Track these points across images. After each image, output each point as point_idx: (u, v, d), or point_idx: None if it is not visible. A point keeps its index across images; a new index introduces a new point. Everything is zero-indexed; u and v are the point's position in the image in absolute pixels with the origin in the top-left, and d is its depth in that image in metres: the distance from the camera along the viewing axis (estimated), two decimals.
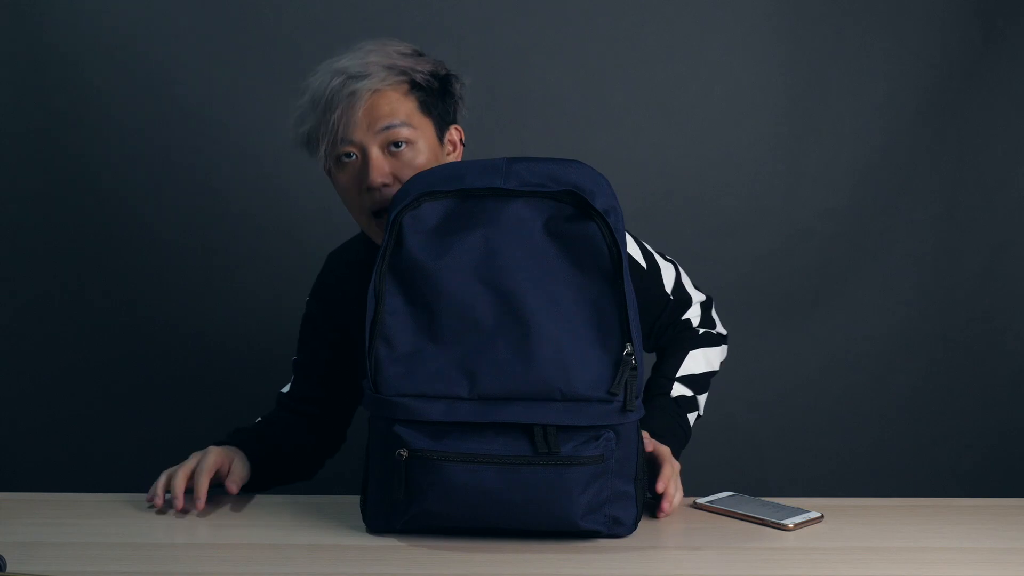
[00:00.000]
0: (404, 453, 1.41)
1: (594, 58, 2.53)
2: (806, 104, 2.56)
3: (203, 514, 1.58)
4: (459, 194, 1.47)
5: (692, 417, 1.82)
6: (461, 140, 1.80)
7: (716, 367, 1.89)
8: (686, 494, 1.68)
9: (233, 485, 1.62)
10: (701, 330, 1.88)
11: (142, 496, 1.66)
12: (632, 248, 1.81)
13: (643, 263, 1.82)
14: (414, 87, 1.71)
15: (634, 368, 1.43)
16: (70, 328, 2.52)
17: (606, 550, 1.43)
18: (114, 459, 2.52)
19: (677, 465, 1.64)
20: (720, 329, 1.93)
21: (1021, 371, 2.62)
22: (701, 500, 1.64)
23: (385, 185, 1.67)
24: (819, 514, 1.57)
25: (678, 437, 1.76)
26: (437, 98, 1.74)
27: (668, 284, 1.85)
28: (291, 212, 2.51)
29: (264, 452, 1.73)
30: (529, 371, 1.41)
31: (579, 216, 1.46)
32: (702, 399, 1.85)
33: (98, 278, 2.52)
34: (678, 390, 1.81)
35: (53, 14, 2.45)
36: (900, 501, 1.69)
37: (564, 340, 1.42)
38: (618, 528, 1.46)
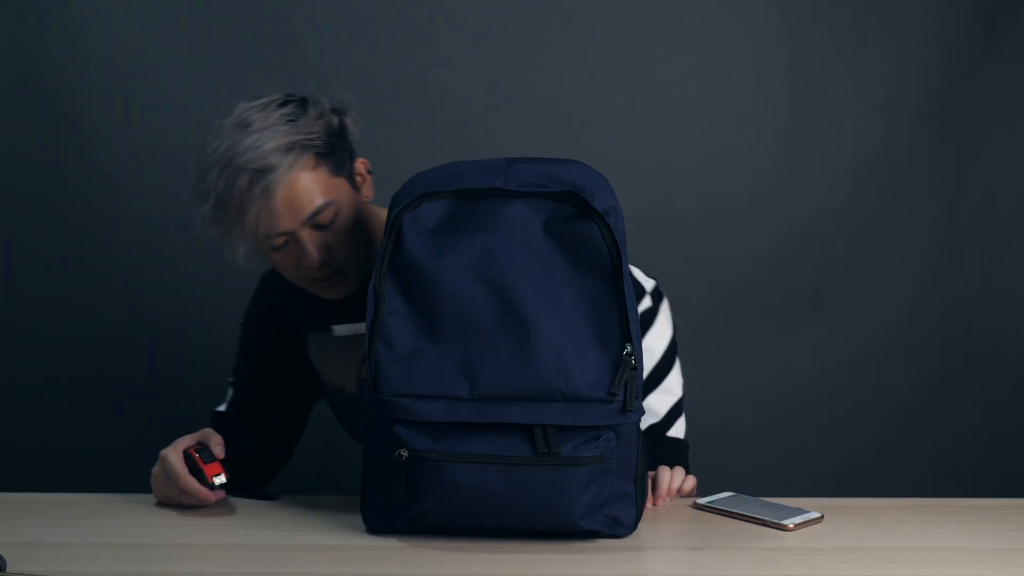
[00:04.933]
0: (404, 453, 1.41)
1: (594, 58, 2.53)
2: (806, 104, 2.55)
3: (203, 514, 1.58)
4: (459, 194, 1.47)
5: (675, 430, 1.83)
6: (368, 170, 1.78)
7: (679, 392, 1.87)
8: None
9: (219, 448, 1.62)
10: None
11: (142, 496, 1.66)
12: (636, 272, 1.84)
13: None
14: (320, 157, 1.67)
15: (634, 368, 1.43)
16: (70, 328, 2.52)
17: (606, 550, 1.43)
18: (114, 459, 2.51)
19: (674, 476, 1.67)
20: (667, 328, 1.87)
21: (1021, 371, 2.62)
22: (701, 500, 1.64)
23: (325, 263, 1.68)
24: (819, 514, 1.57)
25: (670, 452, 1.79)
26: (340, 151, 1.70)
27: (647, 282, 1.85)
28: None
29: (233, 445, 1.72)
30: (529, 371, 1.41)
31: (579, 216, 1.45)
32: (679, 423, 1.85)
33: (98, 278, 2.51)
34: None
35: (53, 14, 2.45)
36: (900, 501, 1.69)
37: (564, 340, 1.42)
38: (618, 528, 1.46)
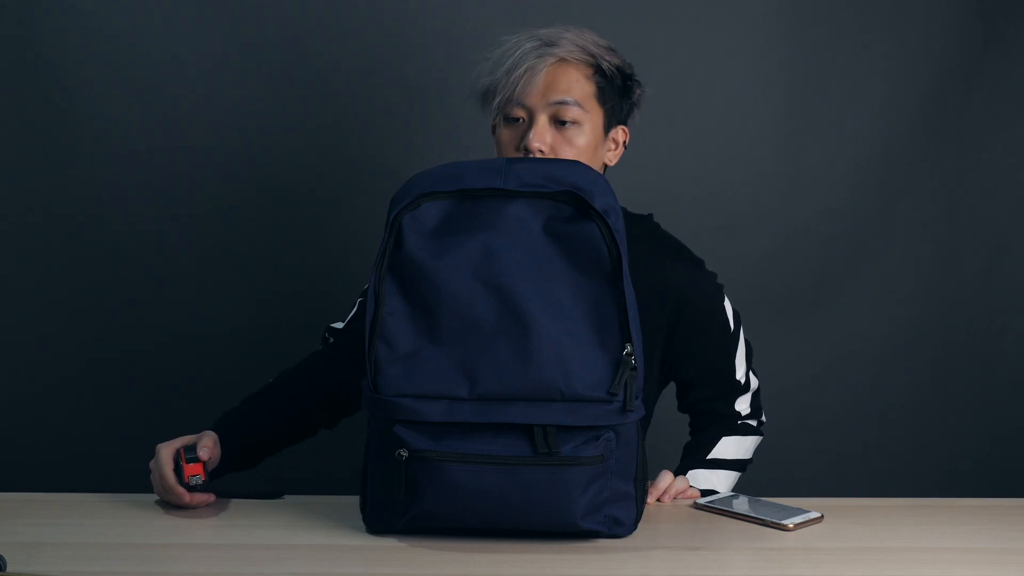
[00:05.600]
0: (404, 453, 1.40)
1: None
2: (806, 104, 2.55)
3: (203, 514, 1.58)
4: (458, 194, 1.47)
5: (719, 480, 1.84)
6: (624, 143, 1.85)
7: (748, 456, 1.89)
8: None
9: (204, 451, 1.62)
10: (740, 422, 1.89)
11: (142, 496, 1.66)
12: (727, 304, 1.88)
13: (731, 323, 1.87)
14: (598, 72, 1.77)
15: (634, 368, 1.43)
16: (70, 328, 2.52)
17: (606, 550, 1.43)
18: (114, 459, 2.51)
19: (676, 482, 1.70)
20: (762, 418, 1.94)
21: (1021, 371, 2.62)
22: (701, 500, 1.65)
23: (541, 152, 1.72)
24: (819, 514, 1.57)
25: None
26: (615, 92, 1.80)
27: (740, 363, 1.88)
28: (293, 213, 2.51)
29: (263, 412, 1.75)
30: (529, 371, 1.41)
31: (578, 216, 1.46)
32: (728, 478, 1.85)
33: (98, 278, 2.51)
34: (693, 478, 1.81)
35: (53, 14, 2.45)
36: (900, 501, 1.69)
37: (564, 340, 1.42)
38: (618, 528, 1.46)
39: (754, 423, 1.90)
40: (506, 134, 1.78)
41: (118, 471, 2.47)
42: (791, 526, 1.53)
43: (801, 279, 2.58)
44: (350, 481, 1.74)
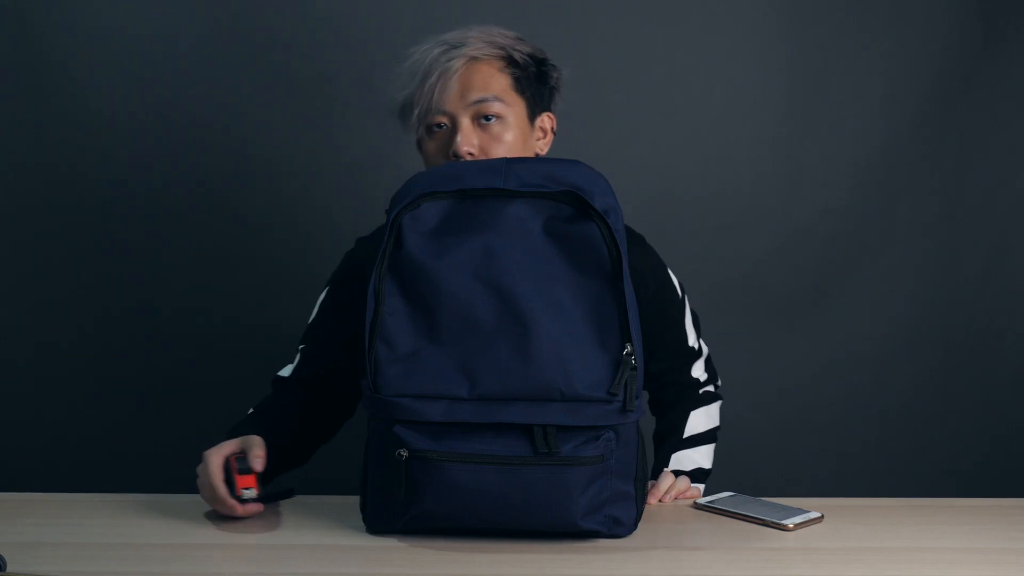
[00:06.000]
0: (404, 453, 1.41)
1: (594, 58, 2.53)
2: (806, 104, 2.55)
3: (202, 514, 1.58)
4: (459, 194, 1.48)
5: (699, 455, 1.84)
6: (552, 129, 1.82)
7: (717, 422, 1.90)
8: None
9: (257, 461, 1.56)
10: (701, 390, 1.90)
11: (142, 496, 1.66)
12: (671, 274, 1.85)
13: (679, 292, 1.85)
14: (510, 63, 1.74)
15: (634, 368, 1.43)
16: (70, 328, 2.52)
17: (606, 550, 1.43)
18: (114, 459, 2.52)
19: (677, 482, 1.70)
20: (718, 383, 1.94)
21: (1021, 371, 2.62)
22: (701, 500, 1.65)
23: (471, 155, 1.69)
24: (819, 514, 1.57)
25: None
26: (532, 79, 1.76)
27: (691, 330, 1.87)
28: (293, 214, 2.51)
29: (272, 438, 1.67)
30: (529, 371, 1.41)
31: (578, 216, 1.46)
32: (708, 450, 1.87)
33: (98, 279, 2.51)
34: (678, 461, 1.83)
35: (53, 16, 2.45)
36: (900, 501, 1.69)
37: (564, 341, 1.42)
38: (618, 528, 1.46)
39: (712, 389, 1.91)
40: (432, 144, 1.75)
41: (118, 471, 2.48)
42: (791, 526, 1.53)
43: (801, 279, 2.58)
44: (350, 481, 1.74)
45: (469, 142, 1.70)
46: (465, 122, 1.71)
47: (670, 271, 1.86)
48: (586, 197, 1.45)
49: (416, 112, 1.73)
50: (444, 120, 1.72)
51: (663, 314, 1.83)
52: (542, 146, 1.81)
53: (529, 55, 1.77)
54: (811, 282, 2.59)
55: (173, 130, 2.48)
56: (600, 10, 2.52)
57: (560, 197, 1.46)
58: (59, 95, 2.46)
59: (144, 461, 2.51)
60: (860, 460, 2.60)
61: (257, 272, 2.53)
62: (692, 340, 1.87)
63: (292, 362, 1.81)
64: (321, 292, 1.84)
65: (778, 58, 2.55)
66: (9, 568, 1.33)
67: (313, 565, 1.39)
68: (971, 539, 1.51)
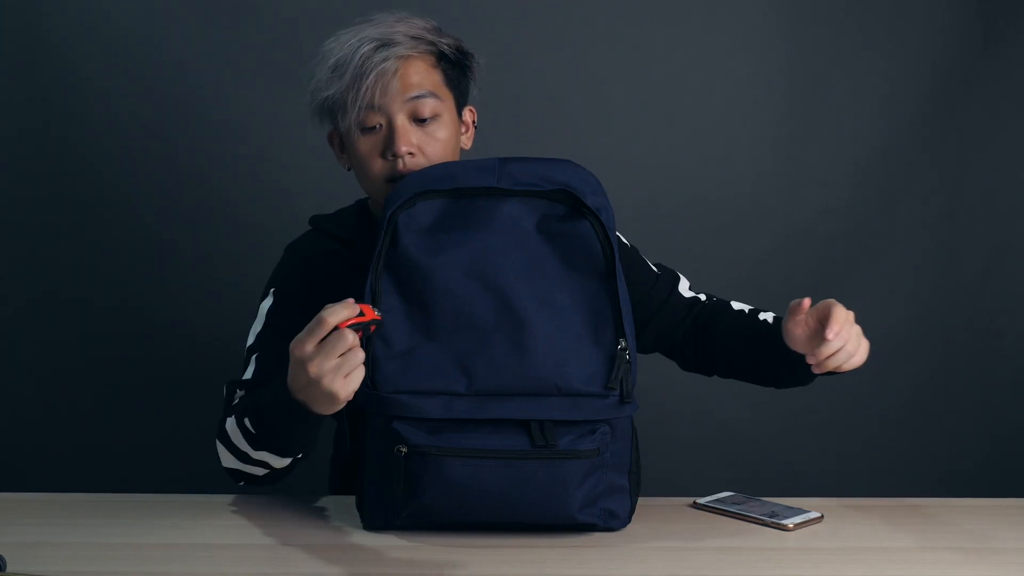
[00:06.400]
0: (403, 449, 1.41)
1: (594, 58, 2.53)
2: (806, 104, 2.55)
3: (203, 514, 1.58)
4: (453, 193, 1.49)
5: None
6: (474, 123, 1.78)
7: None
8: (686, 494, 1.68)
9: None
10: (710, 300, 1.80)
11: (142, 496, 1.66)
12: (620, 236, 1.77)
13: (627, 242, 1.80)
14: (441, 59, 1.69)
15: (628, 362, 1.45)
16: (70, 328, 2.52)
17: (606, 549, 1.43)
18: (113, 459, 2.52)
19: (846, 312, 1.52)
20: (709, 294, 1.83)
21: (1021, 371, 2.62)
22: (701, 500, 1.64)
23: (410, 154, 1.65)
24: (819, 514, 1.57)
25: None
26: (459, 73, 1.73)
27: (651, 262, 1.80)
28: (292, 212, 2.50)
29: None
30: (525, 367, 1.42)
31: (572, 215, 1.47)
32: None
33: (98, 278, 2.51)
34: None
35: (53, 14, 2.45)
36: (900, 501, 1.69)
37: (559, 336, 1.43)
38: (613, 521, 1.47)
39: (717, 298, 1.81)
40: (365, 143, 1.67)
41: (118, 471, 2.48)
42: (791, 526, 1.53)
43: (801, 279, 2.58)
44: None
45: (407, 141, 1.64)
46: (402, 121, 1.65)
47: (620, 235, 1.77)
48: (579, 195, 1.46)
49: (351, 114, 1.66)
50: (381, 120, 1.66)
51: (636, 276, 1.73)
52: (466, 140, 1.77)
53: (454, 48, 1.71)
54: (811, 282, 2.58)
55: (173, 131, 2.48)
56: (600, 10, 2.52)
57: (554, 196, 1.48)
58: (59, 95, 2.46)
59: (144, 461, 2.51)
60: (860, 460, 2.60)
61: (258, 273, 2.51)
62: (655, 270, 1.78)
63: (245, 370, 1.70)
64: (261, 301, 1.77)
65: (778, 58, 2.55)
66: (9, 568, 1.33)
67: (313, 564, 1.39)
68: (971, 539, 1.51)
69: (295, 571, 1.37)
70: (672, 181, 2.55)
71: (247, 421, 1.53)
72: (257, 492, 1.71)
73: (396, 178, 1.65)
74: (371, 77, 1.63)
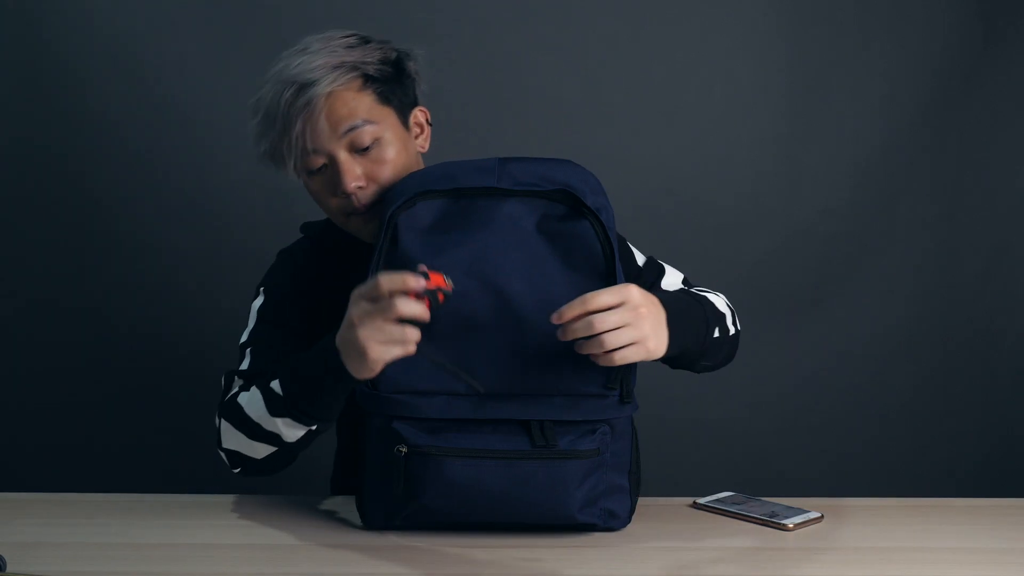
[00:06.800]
0: (403, 449, 1.41)
1: (594, 58, 2.53)
2: (806, 104, 2.55)
3: (203, 515, 1.58)
4: (453, 193, 1.49)
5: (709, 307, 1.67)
6: (427, 120, 1.74)
7: (728, 312, 1.76)
8: (686, 494, 1.68)
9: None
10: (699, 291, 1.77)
11: (142, 496, 1.66)
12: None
13: (618, 233, 1.77)
14: (368, 80, 1.64)
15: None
16: (70, 328, 2.52)
17: (605, 549, 1.43)
18: (114, 459, 2.52)
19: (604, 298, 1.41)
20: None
21: (1021, 371, 2.62)
22: (701, 500, 1.64)
23: (360, 188, 1.62)
24: (819, 514, 1.57)
25: (687, 314, 1.55)
26: (393, 84, 1.67)
27: (640, 256, 1.77)
28: (292, 214, 2.50)
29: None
30: (525, 368, 1.42)
31: (572, 215, 1.47)
32: (720, 301, 1.72)
33: (97, 279, 2.51)
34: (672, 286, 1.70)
35: (51, 15, 2.45)
36: (900, 501, 1.69)
37: (558, 336, 1.42)
38: (613, 521, 1.47)
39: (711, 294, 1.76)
40: (314, 184, 1.65)
41: (118, 471, 2.48)
42: (791, 526, 1.53)
43: (801, 279, 2.58)
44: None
45: (354, 176, 1.61)
46: (344, 156, 1.61)
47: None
48: (579, 195, 1.46)
49: (291, 162, 1.63)
50: (323, 160, 1.62)
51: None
52: (422, 142, 1.73)
53: (381, 61, 1.65)
54: (811, 282, 2.58)
55: (171, 133, 2.48)
56: (600, 10, 2.52)
57: (553, 196, 1.47)
58: (57, 95, 2.46)
59: (144, 461, 2.51)
60: (860, 460, 2.60)
61: (257, 274, 2.52)
62: (640, 259, 1.76)
63: (241, 363, 1.72)
64: (252, 301, 1.78)
65: (778, 58, 2.55)
66: (9, 568, 1.33)
67: (313, 564, 1.39)
68: (971, 539, 1.51)
69: (295, 571, 1.37)
70: (672, 181, 2.55)
71: (275, 384, 1.52)
72: (253, 489, 1.71)
73: (353, 213, 1.63)
74: (299, 124, 1.60)
